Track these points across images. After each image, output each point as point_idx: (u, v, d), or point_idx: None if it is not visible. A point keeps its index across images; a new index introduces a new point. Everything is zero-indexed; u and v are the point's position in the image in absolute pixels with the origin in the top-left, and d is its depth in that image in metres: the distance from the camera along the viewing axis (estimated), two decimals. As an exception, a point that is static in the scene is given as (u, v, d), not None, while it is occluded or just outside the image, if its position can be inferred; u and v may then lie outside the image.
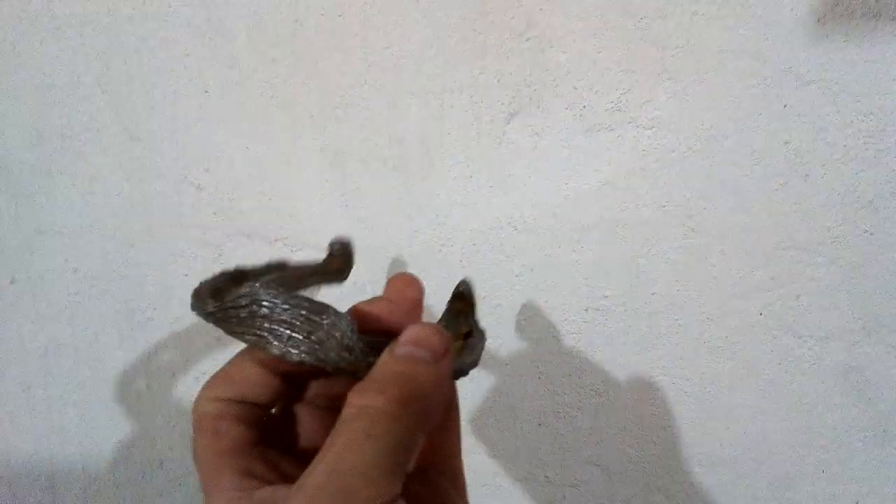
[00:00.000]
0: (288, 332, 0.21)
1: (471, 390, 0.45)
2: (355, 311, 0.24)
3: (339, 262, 0.31)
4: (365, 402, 0.20)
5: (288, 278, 0.29)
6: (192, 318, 0.46)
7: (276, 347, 0.20)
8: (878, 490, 0.44)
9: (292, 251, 0.44)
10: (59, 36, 0.42)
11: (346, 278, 0.31)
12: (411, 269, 0.44)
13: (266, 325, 0.21)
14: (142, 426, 0.48)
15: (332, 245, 0.31)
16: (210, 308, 0.22)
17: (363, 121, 0.42)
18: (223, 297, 0.25)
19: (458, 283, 0.28)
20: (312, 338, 0.21)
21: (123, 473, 0.49)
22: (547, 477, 0.46)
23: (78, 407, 0.48)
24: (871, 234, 0.40)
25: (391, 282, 0.27)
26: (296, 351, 0.20)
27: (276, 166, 0.43)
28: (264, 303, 0.21)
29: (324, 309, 0.21)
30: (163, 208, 0.44)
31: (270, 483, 0.22)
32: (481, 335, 0.27)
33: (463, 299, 0.28)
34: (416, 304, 0.27)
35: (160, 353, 0.47)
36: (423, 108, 0.41)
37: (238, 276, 0.27)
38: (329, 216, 0.43)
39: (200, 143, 0.43)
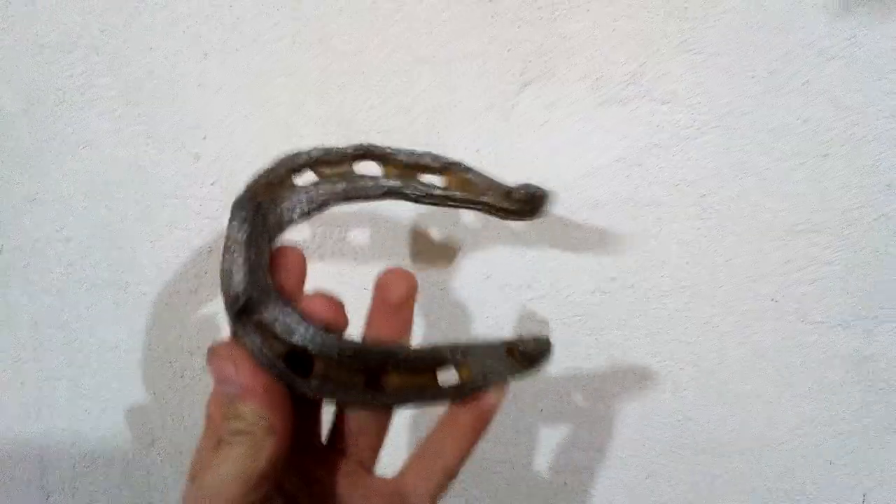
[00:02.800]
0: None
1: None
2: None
3: (519, 202, 0.28)
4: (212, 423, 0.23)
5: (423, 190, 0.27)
6: (187, 293, 0.45)
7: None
8: (886, 483, 0.43)
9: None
10: (54, -7, 0.41)
11: (525, 219, 0.29)
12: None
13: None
14: (133, 403, 0.47)
15: (521, 188, 0.29)
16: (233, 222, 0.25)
17: (368, 89, 0.41)
18: (275, 200, 0.26)
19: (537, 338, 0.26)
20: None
21: (114, 450, 0.47)
22: (548, 463, 0.45)
23: (69, 381, 0.47)
24: (890, 218, 0.39)
25: (380, 282, 0.27)
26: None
27: (277, 136, 0.42)
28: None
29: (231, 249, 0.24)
30: (159, 177, 0.43)
31: None
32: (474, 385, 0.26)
33: (517, 353, 0.26)
34: (400, 306, 0.27)
35: (153, 327, 0.45)
36: (432, 78, 0.40)
37: (305, 165, 0.27)
38: (331, 188, 0.42)
39: (199, 110, 0.42)
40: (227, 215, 0.44)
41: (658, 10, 0.38)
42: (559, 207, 0.41)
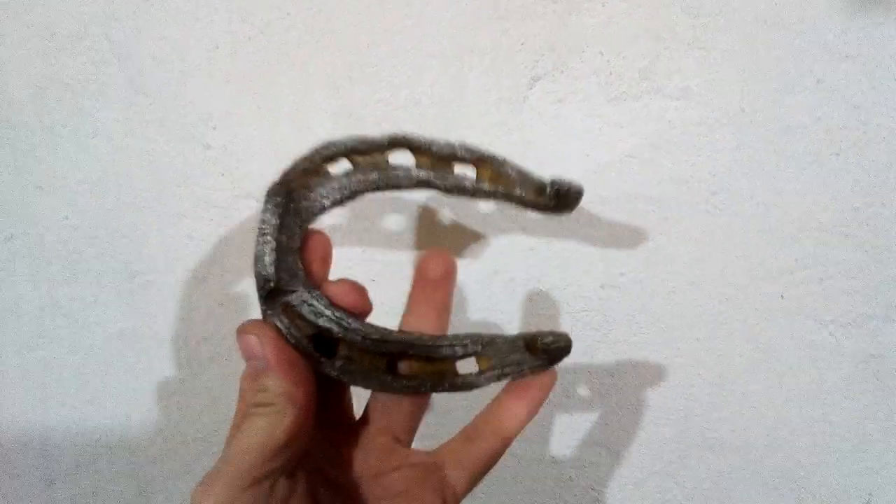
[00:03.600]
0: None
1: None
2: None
3: (552, 198, 0.29)
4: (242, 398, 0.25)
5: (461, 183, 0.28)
6: (195, 283, 0.44)
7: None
8: (892, 483, 0.43)
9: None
10: (65, -20, 0.40)
11: (557, 214, 0.30)
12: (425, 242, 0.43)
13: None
14: (139, 392, 0.47)
15: (554, 184, 0.28)
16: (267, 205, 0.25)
17: (378, 82, 0.41)
18: (309, 187, 0.27)
19: (560, 335, 0.27)
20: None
21: (118, 439, 0.47)
22: (553, 457, 0.45)
23: (74, 370, 0.47)
24: (901, 218, 0.39)
25: (419, 262, 0.28)
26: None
27: (287, 127, 0.42)
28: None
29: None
30: (168, 167, 0.43)
31: None
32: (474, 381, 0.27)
33: (538, 348, 0.27)
34: (438, 284, 0.28)
35: (160, 317, 0.45)
36: (442, 71, 0.40)
37: (340, 154, 0.28)
38: (340, 181, 0.42)
39: (209, 100, 0.42)
40: (237, 205, 0.44)
41: (671, 6, 0.38)
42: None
